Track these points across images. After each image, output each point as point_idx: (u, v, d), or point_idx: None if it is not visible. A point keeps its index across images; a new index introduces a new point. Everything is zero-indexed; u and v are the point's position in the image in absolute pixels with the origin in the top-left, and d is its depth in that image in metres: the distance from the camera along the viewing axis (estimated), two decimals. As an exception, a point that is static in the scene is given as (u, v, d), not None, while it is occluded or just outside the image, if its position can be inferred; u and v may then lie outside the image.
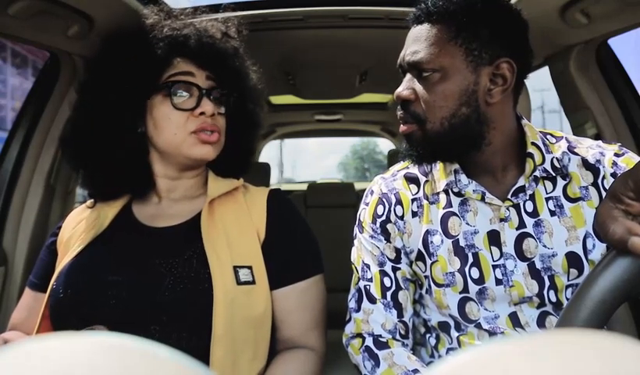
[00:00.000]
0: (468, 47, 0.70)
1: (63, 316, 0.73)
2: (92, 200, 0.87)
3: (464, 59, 0.71)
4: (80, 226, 0.84)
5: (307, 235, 0.87)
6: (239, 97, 0.88)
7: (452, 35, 0.71)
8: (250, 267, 0.76)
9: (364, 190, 0.93)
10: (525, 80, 0.80)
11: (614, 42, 1.25)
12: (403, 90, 0.75)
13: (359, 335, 0.83)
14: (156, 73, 0.80)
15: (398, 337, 0.81)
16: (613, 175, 0.74)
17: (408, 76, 0.76)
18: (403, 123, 0.76)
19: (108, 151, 0.81)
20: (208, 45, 0.84)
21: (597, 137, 1.24)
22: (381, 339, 0.81)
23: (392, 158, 2.66)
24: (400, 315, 0.82)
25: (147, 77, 0.79)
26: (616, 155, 0.75)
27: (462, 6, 0.71)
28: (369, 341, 0.81)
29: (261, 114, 0.96)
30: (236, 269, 0.74)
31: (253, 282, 0.75)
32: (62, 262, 0.78)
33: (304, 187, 2.79)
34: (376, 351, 0.80)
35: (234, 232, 0.79)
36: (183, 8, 0.93)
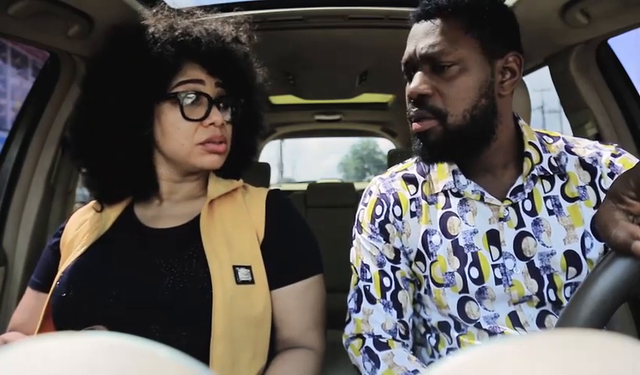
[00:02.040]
0: (483, 39, 0.71)
1: (65, 316, 0.74)
2: (97, 202, 0.86)
3: (481, 51, 0.71)
4: (83, 227, 0.84)
5: (307, 235, 0.87)
6: (246, 102, 0.87)
7: (466, 28, 0.71)
8: (249, 267, 0.76)
9: (364, 190, 0.93)
10: (525, 80, 0.81)
11: (614, 42, 1.25)
12: (419, 84, 0.72)
13: (359, 336, 0.83)
14: (166, 79, 0.78)
15: (398, 337, 0.81)
16: (610, 175, 0.74)
17: (421, 71, 0.73)
18: (417, 120, 0.74)
19: (110, 152, 0.80)
20: (219, 51, 0.82)
21: (597, 137, 1.24)
22: (381, 340, 0.81)
23: (393, 158, 2.65)
24: (400, 315, 0.82)
25: (156, 82, 0.77)
26: (613, 155, 0.76)
27: (472, 0, 0.72)
28: (369, 342, 0.81)
29: (264, 116, 0.95)
30: (235, 268, 0.74)
31: (252, 281, 0.75)
32: (66, 262, 0.78)
33: (304, 187, 2.79)
34: (376, 351, 0.80)
35: (233, 232, 0.79)
36: (188, 7, 0.92)
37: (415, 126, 0.74)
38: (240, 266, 0.75)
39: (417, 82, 0.72)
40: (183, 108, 0.77)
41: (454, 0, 0.72)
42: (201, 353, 0.68)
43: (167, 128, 0.78)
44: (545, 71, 1.39)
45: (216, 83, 0.82)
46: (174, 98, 0.78)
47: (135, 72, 0.76)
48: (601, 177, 0.75)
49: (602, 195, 0.74)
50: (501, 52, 0.72)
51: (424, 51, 0.72)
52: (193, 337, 0.70)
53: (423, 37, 0.73)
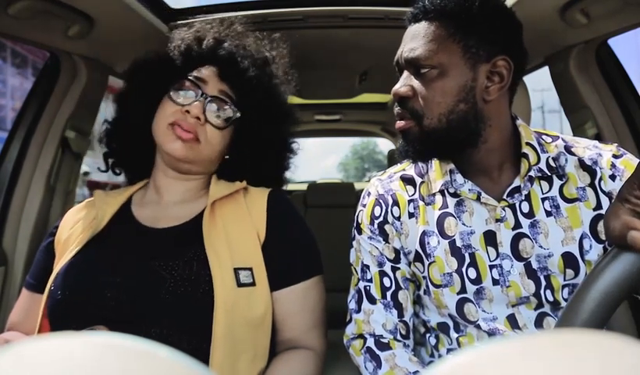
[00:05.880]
0: (466, 44, 0.71)
1: (62, 318, 0.73)
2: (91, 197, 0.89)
3: (462, 56, 0.71)
4: (77, 225, 0.83)
5: (307, 236, 0.87)
6: (248, 121, 0.87)
7: (450, 32, 0.71)
8: (250, 269, 0.76)
9: (363, 190, 0.93)
10: (525, 80, 0.80)
11: (614, 42, 1.25)
12: (400, 87, 0.75)
13: (360, 336, 0.83)
14: (179, 80, 0.85)
15: (399, 337, 0.81)
16: (612, 177, 0.73)
17: (405, 73, 0.76)
18: (399, 119, 0.77)
19: (133, 148, 0.89)
20: (241, 72, 0.86)
21: (597, 137, 1.24)
22: (382, 340, 0.81)
23: (392, 158, 2.65)
24: (401, 315, 0.82)
25: (171, 84, 0.84)
26: (615, 156, 0.75)
27: (459, 4, 0.72)
28: (370, 342, 0.81)
29: (287, 133, 0.97)
30: (236, 271, 0.74)
31: (253, 284, 0.75)
32: (60, 262, 0.77)
33: (304, 187, 2.78)
34: (378, 352, 0.79)
35: (235, 233, 0.79)
36: (229, 19, 0.96)
37: (398, 123, 0.77)
38: (241, 269, 0.75)
39: (399, 84, 0.76)
40: (171, 92, 0.82)
41: (441, 4, 0.72)
42: (202, 355, 0.68)
43: (158, 112, 0.83)
44: (545, 71, 1.39)
45: (220, 90, 0.84)
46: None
47: (158, 88, 0.85)
48: (601, 179, 0.74)
49: (603, 197, 0.74)
50: (488, 57, 0.72)
51: (406, 55, 0.74)
52: (193, 340, 0.69)
53: (409, 40, 0.75)
